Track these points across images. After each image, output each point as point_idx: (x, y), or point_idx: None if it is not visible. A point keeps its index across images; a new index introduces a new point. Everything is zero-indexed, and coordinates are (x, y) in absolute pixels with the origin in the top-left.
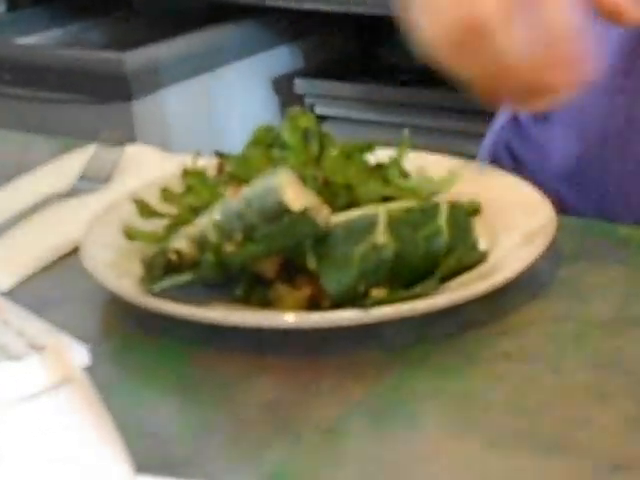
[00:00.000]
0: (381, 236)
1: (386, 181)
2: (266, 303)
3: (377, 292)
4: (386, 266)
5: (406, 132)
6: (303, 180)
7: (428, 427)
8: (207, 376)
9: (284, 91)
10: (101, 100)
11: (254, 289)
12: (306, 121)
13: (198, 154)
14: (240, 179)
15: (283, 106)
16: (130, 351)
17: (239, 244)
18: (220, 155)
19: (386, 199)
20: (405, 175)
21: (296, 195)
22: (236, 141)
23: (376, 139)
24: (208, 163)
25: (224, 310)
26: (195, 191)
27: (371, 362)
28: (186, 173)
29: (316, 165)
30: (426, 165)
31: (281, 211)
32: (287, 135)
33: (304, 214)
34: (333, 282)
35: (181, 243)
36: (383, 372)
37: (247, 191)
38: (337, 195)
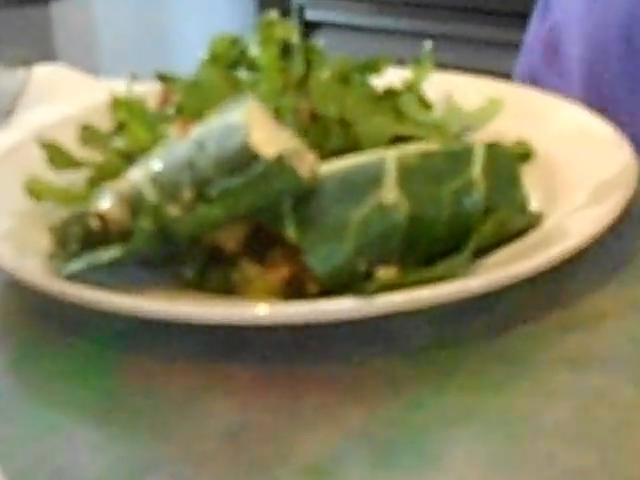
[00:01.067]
0: (390, 193)
1: (398, 114)
2: (227, 289)
3: (384, 273)
4: (397, 236)
5: (427, 44)
6: (279, 114)
7: (455, 465)
8: (145, 394)
9: None
10: (9, 2)
11: (210, 269)
12: (284, 30)
13: (134, 77)
14: (191, 113)
15: (261, 9)
16: (33, 359)
17: (188, 206)
18: (164, 79)
19: (398, 140)
20: (426, 105)
21: (269, 136)
22: (189, 60)
23: (385, 54)
24: (147, 90)
25: (168, 300)
26: (128, 130)
27: (375, 373)
28: (116, 104)
29: (299, 92)
30: (454, 90)
31: (247, 159)
32: (257, 50)
33: (280, 163)
34: (321, 259)
35: (107, 204)
36: (392, 388)
37: (200, 130)
38: (328, 135)
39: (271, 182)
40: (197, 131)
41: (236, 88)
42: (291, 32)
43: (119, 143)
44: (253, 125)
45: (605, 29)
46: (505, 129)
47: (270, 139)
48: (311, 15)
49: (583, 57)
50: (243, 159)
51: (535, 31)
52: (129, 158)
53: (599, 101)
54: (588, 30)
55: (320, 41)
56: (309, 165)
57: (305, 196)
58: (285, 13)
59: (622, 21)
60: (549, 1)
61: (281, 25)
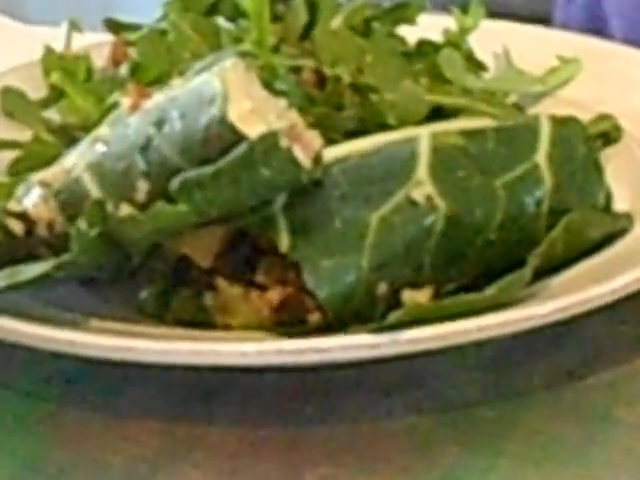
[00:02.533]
0: (422, 186)
1: (436, 77)
2: (198, 318)
3: (413, 297)
4: (430, 245)
5: None
6: (271, 78)
7: None
8: (83, 467)
9: None
10: None
11: (175, 291)
12: None
13: (74, 26)
14: (150, 76)
15: None
16: None
17: (143, 203)
18: (114, 28)
19: (435, 113)
20: (474, 65)
21: (255, 108)
22: (150, 3)
23: None
24: (93, 44)
25: (116, 333)
26: (64, 98)
27: (399, 435)
28: (49, 63)
29: (300, 48)
30: (512, 45)
31: (224, 140)
32: None
33: (269, 145)
34: (326, 278)
35: (32, 200)
36: (421, 455)
37: (160, 101)
38: (339, 106)
39: (257, 172)
40: (156, 102)
41: (212, 42)
42: None
43: (52, 115)
44: (233, 94)
45: None
46: (581, 99)
47: (256, 113)
48: None
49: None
50: (218, 140)
51: None
52: (65, 136)
53: None
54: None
55: None
56: (311, 148)
57: (304, 191)
58: None
59: None
60: None
61: None
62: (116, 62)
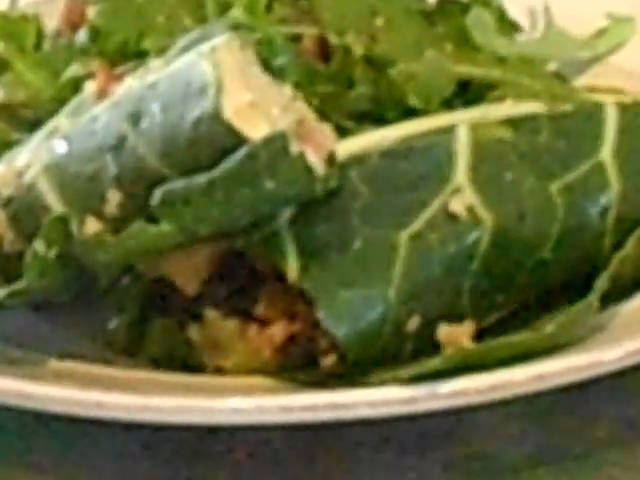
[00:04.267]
0: (462, 194)
1: (463, 43)
2: (180, 356)
3: (451, 335)
4: (473, 269)
5: None
6: (269, 53)
7: None
8: None
9: None
10: None
11: (152, 323)
12: None
13: None
14: (116, 45)
15: None
16: None
17: (115, 218)
18: None
19: (463, 88)
20: (509, 26)
21: (255, 99)
22: None
23: None
24: (44, 2)
25: (76, 378)
26: (9, 70)
27: None
28: None
29: (294, 7)
30: (552, 2)
31: (218, 141)
32: None
33: (274, 148)
34: (345, 314)
35: None
36: None
37: (135, 88)
38: (349, 82)
39: (260, 183)
40: (130, 88)
41: (192, 3)
42: None
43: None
44: (228, 82)
45: None
46: (637, 67)
47: (257, 106)
48: None
49: None
50: (210, 141)
51: None
52: (11, 117)
53: None
54: None
55: None
56: (323, 147)
57: (316, 202)
58: None
59: None
60: None
61: None
62: (72, 24)
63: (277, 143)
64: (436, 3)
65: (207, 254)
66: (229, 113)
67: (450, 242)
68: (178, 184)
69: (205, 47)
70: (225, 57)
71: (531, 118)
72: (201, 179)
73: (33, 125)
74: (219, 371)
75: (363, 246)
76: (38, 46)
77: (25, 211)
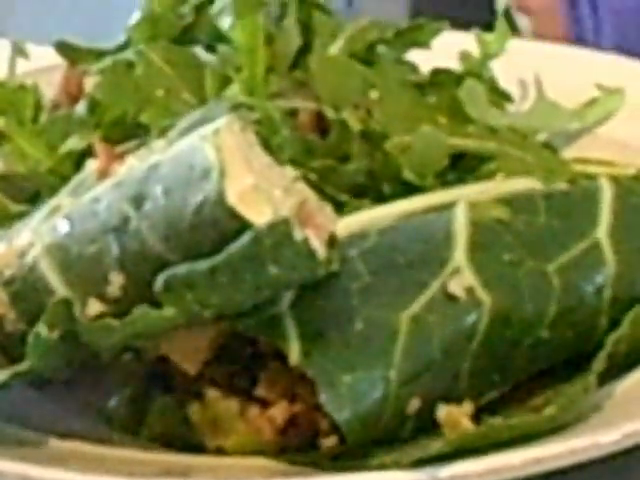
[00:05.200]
0: (461, 275)
1: (456, 114)
2: (181, 435)
3: (450, 412)
4: (472, 349)
5: (501, 1)
6: (269, 131)
7: None
8: None
9: None
10: None
11: (152, 401)
12: None
13: (18, 50)
14: (114, 119)
15: None
16: None
17: (117, 300)
18: (68, 53)
19: (457, 158)
20: (500, 96)
21: (257, 183)
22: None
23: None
24: (42, 68)
25: (77, 458)
26: (12, 148)
27: None
28: None
29: (290, 79)
30: (542, 71)
31: (221, 226)
32: (230, 11)
33: (278, 233)
34: (346, 396)
35: None
36: None
37: (138, 170)
38: (345, 155)
39: (263, 269)
40: (133, 169)
41: (190, 78)
42: None
43: None
44: (231, 166)
45: None
46: (626, 137)
47: (260, 190)
48: None
49: None
50: (213, 226)
51: None
52: (11, 188)
53: None
54: None
55: None
56: (324, 228)
57: (317, 285)
58: None
59: None
60: None
61: None
62: (70, 95)
63: (281, 229)
64: (429, 75)
65: (209, 335)
66: (233, 198)
67: (449, 323)
68: (181, 269)
69: (207, 129)
70: (227, 140)
71: (527, 198)
72: (204, 264)
73: (32, 197)
74: (219, 451)
75: (363, 327)
76: (36, 117)
77: (27, 291)
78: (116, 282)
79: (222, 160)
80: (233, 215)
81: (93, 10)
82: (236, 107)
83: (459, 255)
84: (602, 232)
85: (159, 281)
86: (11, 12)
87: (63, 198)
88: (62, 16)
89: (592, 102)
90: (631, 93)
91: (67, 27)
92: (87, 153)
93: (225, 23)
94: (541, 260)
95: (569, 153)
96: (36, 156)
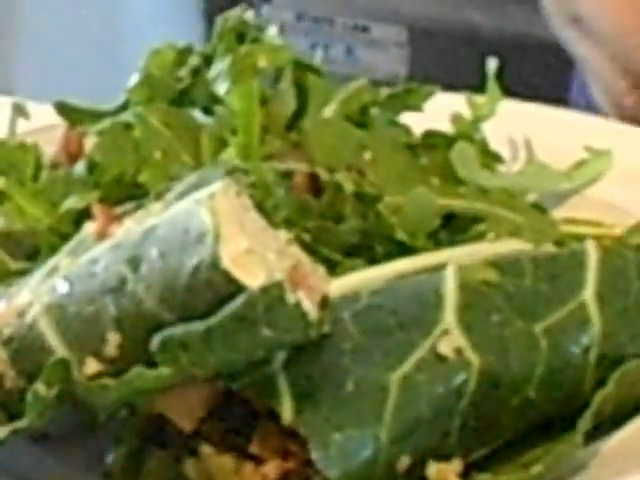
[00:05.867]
0: (450, 336)
1: (447, 176)
2: None
3: (440, 470)
4: (460, 408)
5: (492, 62)
6: (263, 194)
7: None
8: None
9: None
10: None
11: (148, 457)
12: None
13: (19, 110)
14: (109, 177)
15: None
16: None
17: (114, 359)
18: (68, 113)
19: (448, 218)
20: (491, 157)
21: (251, 246)
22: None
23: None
24: (42, 127)
25: None
26: (13, 207)
27: None
28: None
29: (285, 140)
30: (530, 132)
31: (215, 288)
32: (226, 76)
33: (271, 295)
34: (337, 454)
35: None
36: None
37: (135, 232)
38: (338, 216)
39: (257, 330)
40: (130, 232)
41: (187, 140)
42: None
43: None
44: (225, 230)
45: None
46: (613, 199)
47: (254, 253)
48: None
49: None
50: (208, 288)
51: None
52: (12, 250)
53: None
54: None
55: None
56: (316, 290)
57: (309, 345)
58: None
59: None
60: None
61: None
62: (70, 154)
63: (273, 292)
64: (421, 136)
65: (204, 393)
66: (227, 261)
67: (439, 383)
68: (177, 330)
69: (202, 194)
70: (222, 204)
71: (516, 260)
72: (199, 326)
73: (32, 254)
74: None
75: (355, 387)
76: (36, 176)
77: (26, 350)
78: (113, 342)
79: (217, 224)
80: (227, 278)
81: (94, 69)
82: (231, 171)
83: (449, 316)
84: (588, 294)
85: (155, 341)
86: (13, 68)
87: (62, 258)
88: (63, 74)
89: (581, 164)
90: (619, 155)
91: (68, 85)
92: (86, 212)
93: (221, 87)
94: (529, 321)
95: (558, 213)
96: (36, 214)
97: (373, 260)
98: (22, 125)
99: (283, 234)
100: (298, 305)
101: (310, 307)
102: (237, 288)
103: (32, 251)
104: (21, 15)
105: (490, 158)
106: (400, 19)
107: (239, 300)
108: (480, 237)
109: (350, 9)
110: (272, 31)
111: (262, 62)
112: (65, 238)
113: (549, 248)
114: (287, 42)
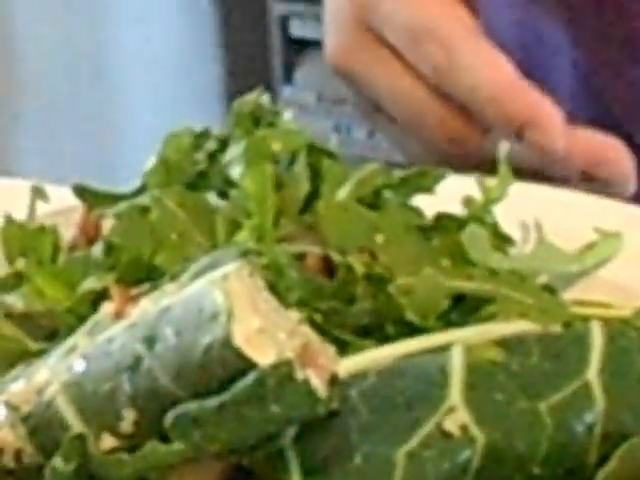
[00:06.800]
0: (455, 413)
1: (458, 257)
2: None
3: None
4: None
5: (503, 147)
6: (276, 275)
7: None
8: None
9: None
10: None
11: None
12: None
13: (39, 192)
14: (130, 261)
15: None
16: None
17: (129, 435)
18: (85, 196)
19: (458, 299)
20: (501, 239)
21: (263, 326)
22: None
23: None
24: (60, 210)
25: None
26: (32, 288)
27: None
28: (8, 235)
29: (299, 223)
30: (541, 215)
31: (228, 366)
32: (241, 160)
33: (281, 373)
34: None
35: None
36: None
37: (150, 312)
38: (350, 298)
39: (267, 407)
40: (145, 311)
41: (202, 223)
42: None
43: (15, 302)
44: (238, 309)
45: None
46: (624, 281)
47: (265, 332)
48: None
49: None
50: (221, 366)
51: None
52: (31, 330)
53: None
54: None
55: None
56: (326, 369)
57: (318, 421)
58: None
59: None
60: None
61: (270, 113)
62: (88, 236)
63: (283, 370)
64: (433, 219)
65: (216, 468)
66: (239, 340)
67: (444, 459)
68: (190, 407)
69: (216, 275)
70: (235, 285)
71: (522, 340)
72: (212, 402)
73: (50, 335)
74: None
75: (362, 462)
76: (55, 258)
77: (44, 426)
78: (128, 418)
79: (230, 304)
80: (239, 356)
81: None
82: (245, 253)
83: (455, 394)
84: (592, 373)
85: (169, 418)
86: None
87: (80, 338)
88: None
89: (591, 245)
90: (630, 237)
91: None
92: (104, 293)
93: (236, 171)
94: (533, 400)
95: (568, 295)
96: (55, 296)
97: (384, 340)
98: (40, 207)
99: (294, 314)
100: (307, 382)
101: (319, 385)
102: (248, 365)
103: (51, 332)
104: None
105: (501, 240)
106: None
107: (250, 377)
108: (490, 318)
109: None
110: (287, 115)
111: (276, 146)
112: (83, 318)
113: (557, 329)
114: (303, 126)
